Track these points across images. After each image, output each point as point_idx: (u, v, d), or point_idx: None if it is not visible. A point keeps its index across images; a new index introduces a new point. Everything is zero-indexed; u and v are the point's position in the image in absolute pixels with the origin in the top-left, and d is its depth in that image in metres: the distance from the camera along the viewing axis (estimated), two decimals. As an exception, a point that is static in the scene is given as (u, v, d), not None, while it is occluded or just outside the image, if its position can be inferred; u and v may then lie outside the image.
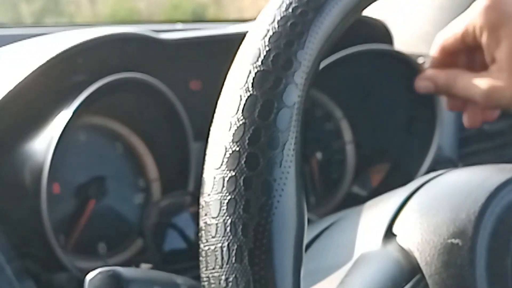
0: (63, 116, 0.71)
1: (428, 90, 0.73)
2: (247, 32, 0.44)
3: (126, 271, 0.51)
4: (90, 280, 0.51)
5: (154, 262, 0.76)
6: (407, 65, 0.89)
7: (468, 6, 1.05)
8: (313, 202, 0.95)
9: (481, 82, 0.69)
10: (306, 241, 0.54)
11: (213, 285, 0.40)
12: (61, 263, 0.70)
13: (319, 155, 0.97)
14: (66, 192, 0.78)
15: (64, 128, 0.70)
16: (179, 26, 0.91)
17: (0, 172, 0.74)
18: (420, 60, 1.11)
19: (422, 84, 0.73)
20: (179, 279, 0.55)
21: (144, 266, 0.74)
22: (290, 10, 0.42)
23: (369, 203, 0.61)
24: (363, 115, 0.97)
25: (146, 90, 0.78)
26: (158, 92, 0.77)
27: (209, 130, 0.43)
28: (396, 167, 0.96)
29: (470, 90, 0.69)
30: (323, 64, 0.86)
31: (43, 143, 0.71)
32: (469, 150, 1.07)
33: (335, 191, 0.96)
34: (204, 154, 0.42)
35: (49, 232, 0.69)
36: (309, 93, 0.63)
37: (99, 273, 0.51)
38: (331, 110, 0.97)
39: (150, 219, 0.78)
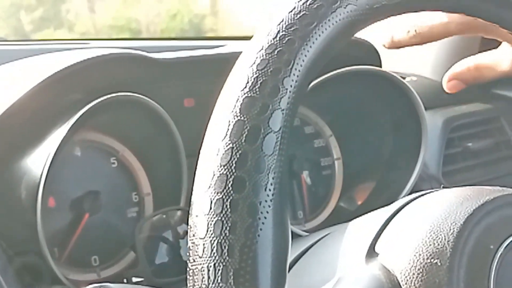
0: (59, 133, 0.71)
1: (459, 88, 0.71)
2: (239, 52, 0.45)
3: (116, 287, 0.55)
4: None
5: (145, 275, 0.76)
6: (394, 85, 0.90)
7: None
8: (301, 216, 0.94)
9: (502, 55, 0.67)
10: (292, 256, 0.59)
11: None
12: (55, 275, 0.70)
13: (308, 171, 0.96)
14: (61, 205, 0.78)
15: (60, 144, 0.70)
16: (175, 43, 0.91)
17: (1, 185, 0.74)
18: (413, 79, 1.13)
19: (451, 84, 0.71)
20: None
21: (135, 279, 0.73)
22: (277, 38, 0.42)
23: (354, 222, 0.61)
24: (351, 133, 0.97)
25: (140, 108, 0.78)
26: (152, 110, 0.78)
27: (201, 147, 0.43)
28: (383, 183, 0.95)
29: (497, 68, 0.68)
30: (313, 84, 0.85)
31: (40, 159, 0.71)
32: (454, 167, 1.06)
33: (323, 206, 0.96)
34: (195, 172, 0.43)
35: (43, 244, 0.69)
36: (297, 113, 0.64)
37: (93, 286, 0.53)
38: (320, 128, 0.96)
39: (142, 233, 0.78)
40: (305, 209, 0.94)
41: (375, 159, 0.97)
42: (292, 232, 0.41)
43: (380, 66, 0.93)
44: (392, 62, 0.98)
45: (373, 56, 0.93)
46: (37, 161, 0.72)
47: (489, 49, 0.90)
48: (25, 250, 0.72)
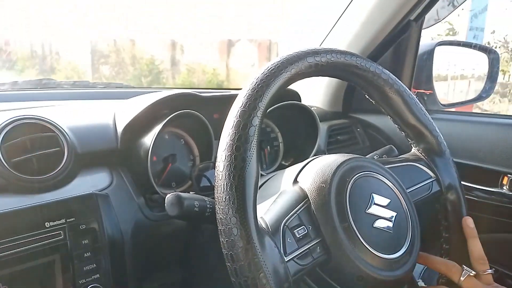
0: (158, 127, 0.71)
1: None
2: (237, 95, 0.48)
3: (183, 194, 0.55)
4: (167, 197, 0.55)
5: (196, 191, 0.73)
6: (306, 111, 0.92)
7: (341, 82, 1.11)
8: (264, 167, 0.93)
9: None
10: (260, 183, 0.56)
11: (219, 200, 0.43)
12: (156, 191, 0.71)
13: (268, 147, 0.95)
14: (158, 160, 0.78)
15: (158, 132, 0.71)
16: (208, 93, 0.85)
17: (132, 150, 0.73)
18: (314, 108, 1.11)
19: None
20: (206, 198, 0.57)
21: (191, 193, 0.64)
22: (248, 96, 0.46)
23: (288, 168, 0.60)
24: (287, 131, 0.95)
25: (194, 117, 0.77)
26: (199, 118, 0.78)
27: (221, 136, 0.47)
28: (301, 154, 0.93)
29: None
30: (271, 109, 0.85)
31: (149, 138, 0.71)
32: (331, 147, 1.06)
33: (274, 163, 0.95)
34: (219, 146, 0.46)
35: (152, 180, 0.70)
36: (263, 123, 0.64)
37: (171, 194, 0.55)
38: (273, 128, 0.96)
39: (195, 172, 0.78)
40: (266, 164, 0.94)
41: (297, 143, 0.95)
42: (260, 173, 0.46)
43: (300, 101, 0.93)
44: (305, 101, 0.95)
45: (297, 97, 0.94)
46: (148, 140, 0.72)
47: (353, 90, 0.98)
48: (144, 181, 0.71)
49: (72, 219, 0.58)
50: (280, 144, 0.97)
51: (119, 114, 0.77)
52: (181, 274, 0.78)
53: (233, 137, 0.44)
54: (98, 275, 0.57)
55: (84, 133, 0.71)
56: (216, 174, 0.44)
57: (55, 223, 0.57)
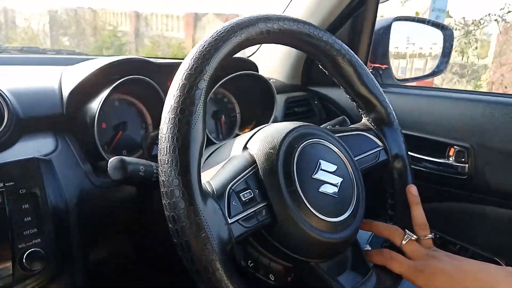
0: (106, 92, 0.70)
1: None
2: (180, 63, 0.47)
3: (127, 158, 0.53)
4: (110, 161, 0.53)
5: (146, 158, 0.69)
6: (264, 82, 0.92)
7: (300, 55, 1.12)
8: (220, 137, 0.93)
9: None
10: (214, 149, 0.61)
11: (162, 162, 0.43)
12: (104, 157, 0.69)
13: (224, 117, 0.95)
14: (108, 127, 0.77)
15: (106, 97, 0.69)
16: (163, 60, 0.83)
17: (78, 116, 0.71)
18: (272, 80, 1.11)
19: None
20: (153, 164, 0.55)
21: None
22: (192, 63, 0.46)
23: (239, 136, 0.60)
24: (244, 102, 0.96)
25: (146, 84, 0.76)
26: (151, 85, 0.76)
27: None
28: (257, 125, 0.90)
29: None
30: (227, 78, 0.86)
31: (96, 103, 0.69)
32: (288, 118, 1.06)
33: (231, 132, 0.95)
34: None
35: (99, 146, 0.69)
36: (220, 93, 0.61)
37: (114, 158, 0.53)
38: (231, 98, 0.96)
39: (146, 140, 0.78)
40: (223, 133, 0.94)
41: (254, 114, 0.96)
42: (216, 142, 0.47)
43: (258, 72, 0.93)
44: (265, 74, 0.95)
45: (254, 67, 0.94)
46: (95, 105, 0.70)
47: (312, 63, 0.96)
48: (91, 148, 0.69)
49: (11, 183, 0.56)
50: (237, 115, 0.97)
51: (66, 78, 0.74)
52: (131, 243, 0.77)
53: (178, 99, 0.43)
54: (39, 240, 0.55)
55: (27, 97, 0.68)
56: (159, 136, 0.43)
57: None
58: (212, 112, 0.94)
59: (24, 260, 0.53)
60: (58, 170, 0.63)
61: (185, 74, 0.45)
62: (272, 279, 0.53)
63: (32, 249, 0.54)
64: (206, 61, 0.45)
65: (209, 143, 0.79)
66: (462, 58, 4.68)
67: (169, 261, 0.68)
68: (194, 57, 0.45)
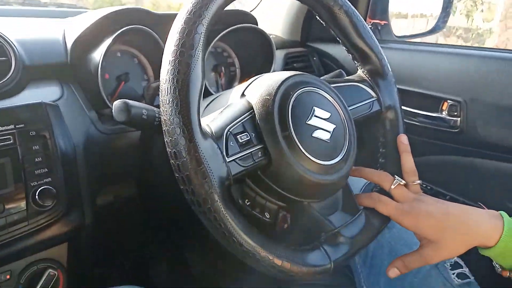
0: (107, 41, 0.71)
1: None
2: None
3: (131, 101, 0.54)
4: (115, 103, 0.53)
5: (149, 107, 0.65)
6: (264, 36, 0.92)
7: (299, 11, 1.11)
8: (220, 90, 0.93)
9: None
10: (215, 97, 0.62)
11: (163, 103, 0.43)
12: (109, 105, 0.71)
13: (224, 70, 0.95)
14: (111, 78, 0.78)
15: (108, 47, 0.70)
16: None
17: (82, 66, 0.72)
18: (272, 36, 1.06)
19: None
20: (155, 109, 0.55)
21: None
22: (191, 7, 0.46)
23: (239, 85, 0.59)
24: (244, 55, 0.95)
25: (147, 35, 0.76)
26: (151, 35, 0.76)
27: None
28: (257, 73, 0.81)
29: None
30: (227, 31, 0.85)
31: (99, 53, 0.70)
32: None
33: (231, 84, 0.96)
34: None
35: (103, 94, 0.70)
36: (220, 47, 0.60)
37: (119, 100, 0.54)
38: (230, 53, 0.96)
39: (148, 91, 0.77)
40: (222, 87, 0.95)
41: (253, 68, 0.96)
42: (204, 81, 0.45)
43: (258, 26, 0.92)
44: (263, 27, 0.94)
45: (254, 21, 0.93)
46: (97, 55, 0.70)
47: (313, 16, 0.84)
48: (96, 97, 0.70)
49: (22, 125, 0.57)
50: (237, 69, 0.97)
51: (69, 29, 0.75)
52: (136, 187, 0.79)
53: (178, 42, 0.43)
54: (50, 179, 0.57)
55: (32, 46, 0.69)
56: (160, 78, 0.44)
57: (3, 128, 0.56)
58: (213, 66, 0.95)
59: (36, 196, 0.56)
60: (65, 115, 0.64)
61: (185, 18, 0.45)
62: (268, 217, 0.54)
63: (44, 187, 0.56)
64: (204, 6, 0.45)
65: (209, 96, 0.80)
66: (467, 21, 4.52)
67: (170, 203, 0.71)
68: (194, 2, 0.46)
